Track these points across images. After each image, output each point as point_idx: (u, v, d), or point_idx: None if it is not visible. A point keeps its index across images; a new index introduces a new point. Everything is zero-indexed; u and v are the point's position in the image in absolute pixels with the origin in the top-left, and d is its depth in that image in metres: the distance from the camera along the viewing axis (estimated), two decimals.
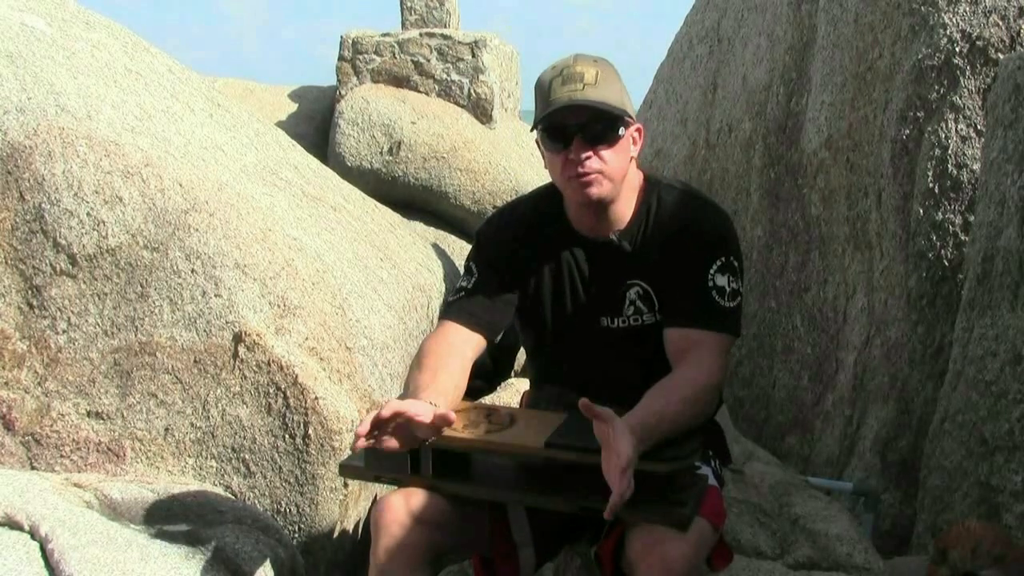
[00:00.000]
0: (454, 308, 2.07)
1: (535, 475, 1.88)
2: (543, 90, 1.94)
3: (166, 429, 2.81)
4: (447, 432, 1.85)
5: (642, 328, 2.03)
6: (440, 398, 1.87)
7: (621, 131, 1.94)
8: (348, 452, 2.62)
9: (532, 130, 1.98)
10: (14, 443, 2.78)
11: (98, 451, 2.79)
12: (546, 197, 2.11)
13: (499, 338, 2.19)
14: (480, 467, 1.94)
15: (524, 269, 2.08)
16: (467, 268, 2.13)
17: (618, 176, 1.96)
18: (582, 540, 2.10)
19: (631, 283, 2.03)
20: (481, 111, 8.58)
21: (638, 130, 2.02)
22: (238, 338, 2.82)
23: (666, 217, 2.02)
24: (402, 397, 1.98)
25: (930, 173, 3.35)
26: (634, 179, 2.04)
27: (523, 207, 2.16)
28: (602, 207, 1.99)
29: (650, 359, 2.01)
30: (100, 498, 2.51)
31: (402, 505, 1.87)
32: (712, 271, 1.95)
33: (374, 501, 1.93)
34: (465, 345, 2.02)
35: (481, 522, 1.97)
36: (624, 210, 2.03)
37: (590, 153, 1.91)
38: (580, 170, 1.92)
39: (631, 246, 2.02)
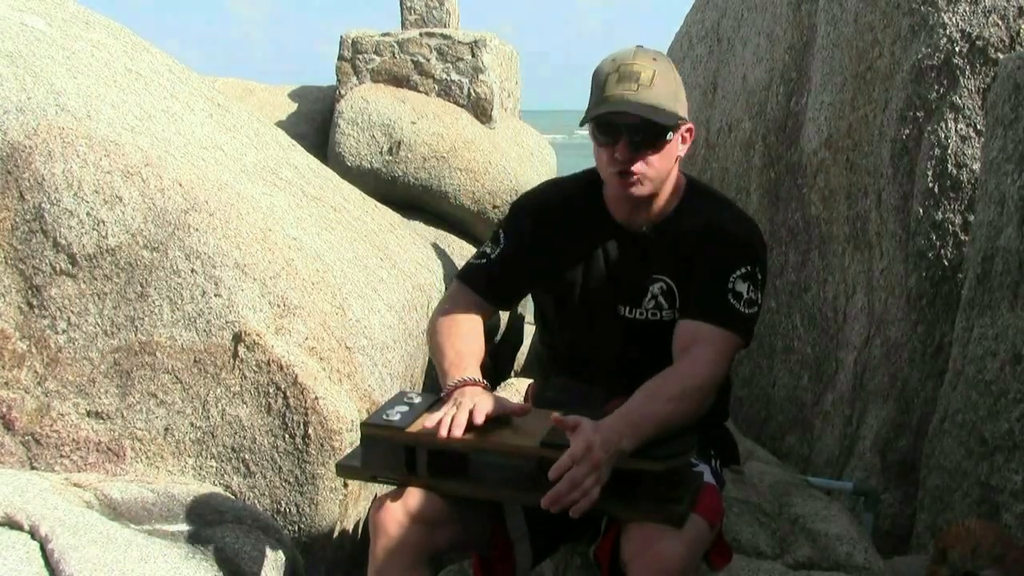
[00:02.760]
0: (472, 272, 2.12)
1: (531, 474, 1.88)
2: (599, 82, 1.94)
3: (166, 429, 2.81)
4: None
5: (659, 323, 2.05)
6: (478, 368, 1.97)
7: (669, 136, 1.95)
8: (347, 452, 2.63)
9: (582, 125, 1.98)
10: (14, 443, 2.78)
11: (98, 451, 2.79)
12: (588, 182, 2.13)
13: (499, 337, 2.20)
14: (476, 466, 1.95)
15: (552, 247, 2.10)
16: (495, 236, 2.15)
17: (661, 177, 1.99)
18: (582, 539, 2.10)
19: (656, 277, 2.05)
20: (481, 111, 8.58)
21: (689, 130, 2.03)
22: (238, 338, 2.82)
23: (700, 219, 2.05)
24: (435, 364, 2.05)
25: (930, 173, 3.35)
26: (675, 176, 2.07)
27: (564, 186, 2.19)
28: (640, 202, 2.02)
29: (663, 355, 2.02)
30: (100, 498, 2.51)
31: (399, 505, 1.88)
32: (734, 276, 1.97)
33: (374, 501, 1.94)
34: (480, 310, 2.10)
35: (479, 521, 1.97)
36: (661, 205, 2.05)
37: (636, 156, 1.93)
38: (624, 169, 1.94)
39: (660, 240, 2.05)
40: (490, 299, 2.10)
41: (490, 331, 2.18)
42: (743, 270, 1.97)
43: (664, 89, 1.92)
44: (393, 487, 1.98)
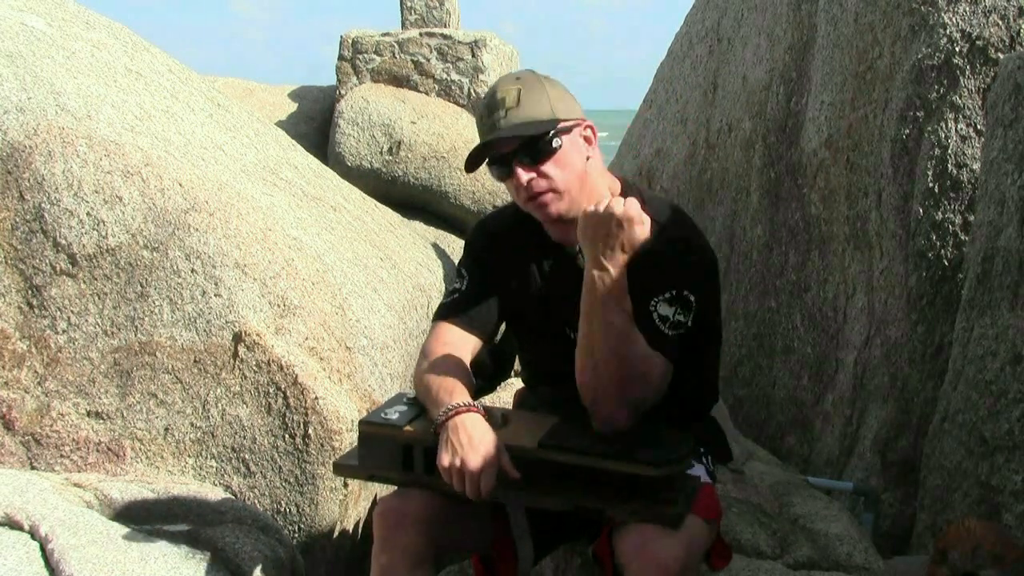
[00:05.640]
0: (447, 310, 2.08)
1: (528, 474, 1.88)
2: (477, 121, 1.96)
3: (166, 429, 2.81)
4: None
5: None
6: (467, 394, 1.91)
7: (557, 142, 1.91)
8: (345, 451, 2.63)
9: (473, 168, 1.97)
10: (14, 443, 2.78)
11: (98, 451, 2.79)
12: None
13: (499, 337, 2.20)
14: None
15: (509, 274, 2.09)
16: (458, 272, 2.15)
17: (572, 186, 1.94)
18: (581, 539, 2.10)
19: None
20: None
21: (589, 128, 1.98)
22: (238, 338, 2.82)
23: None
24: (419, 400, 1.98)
25: (930, 173, 3.35)
26: (601, 184, 2.00)
27: (508, 213, 2.17)
28: (564, 218, 1.97)
29: None
30: (100, 498, 2.51)
31: (401, 505, 1.88)
32: (656, 300, 1.90)
33: (374, 501, 1.94)
34: (463, 344, 2.04)
35: (480, 521, 1.97)
36: None
37: (532, 174, 1.91)
38: (530, 193, 1.92)
39: None
40: (473, 328, 2.05)
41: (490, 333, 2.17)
42: (667, 294, 1.90)
43: (531, 104, 1.90)
44: (394, 488, 1.98)
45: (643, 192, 2.05)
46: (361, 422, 1.98)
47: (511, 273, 2.09)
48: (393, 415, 1.94)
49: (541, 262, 2.07)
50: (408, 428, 1.90)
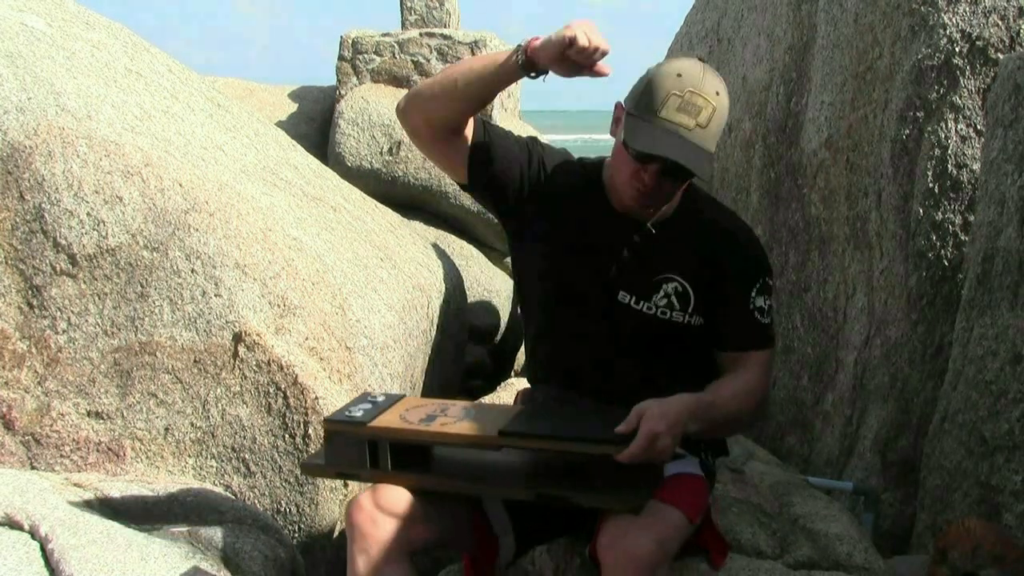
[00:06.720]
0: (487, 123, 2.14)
1: (494, 466, 1.89)
2: (657, 96, 1.86)
3: (166, 429, 2.81)
4: (401, 425, 1.89)
5: (668, 323, 2.03)
6: None
7: (696, 176, 1.94)
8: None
9: (626, 145, 1.92)
10: (14, 443, 2.78)
11: (98, 451, 2.79)
12: (596, 167, 2.13)
13: (499, 337, 2.20)
14: (439, 459, 1.95)
15: (549, 209, 2.08)
16: (526, 141, 2.15)
17: (671, 201, 2.03)
18: (579, 538, 2.10)
19: (668, 276, 2.03)
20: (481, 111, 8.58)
21: None
22: (238, 338, 2.82)
23: (707, 223, 2.07)
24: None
25: (930, 173, 3.35)
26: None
27: (576, 164, 2.16)
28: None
29: (658, 358, 2.03)
30: (100, 498, 2.51)
31: (373, 503, 1.87)
32: (753, 294, 2.05)
33: (349, 503, 1.94)
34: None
35: (458, 517, 1.97)
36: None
37: (661, 188, 1.95)
38: (648, 192, 1.95)
39: (663, 236, 2.05)
40: (473, 132, 2.10)
41: (490, 332, 2.17)
42: (758, 284, 2.05)
43: (714, 131, 1.88)
44: (368, 488, 1.98)
45: (699, 190, 2.14)
46: (325, 420, 1.99)
47: (557, 218, 2.08)
48: (357, 413, 1.95)
49: (603, 224, 2.05)
50: (373, 425, 1.91)
